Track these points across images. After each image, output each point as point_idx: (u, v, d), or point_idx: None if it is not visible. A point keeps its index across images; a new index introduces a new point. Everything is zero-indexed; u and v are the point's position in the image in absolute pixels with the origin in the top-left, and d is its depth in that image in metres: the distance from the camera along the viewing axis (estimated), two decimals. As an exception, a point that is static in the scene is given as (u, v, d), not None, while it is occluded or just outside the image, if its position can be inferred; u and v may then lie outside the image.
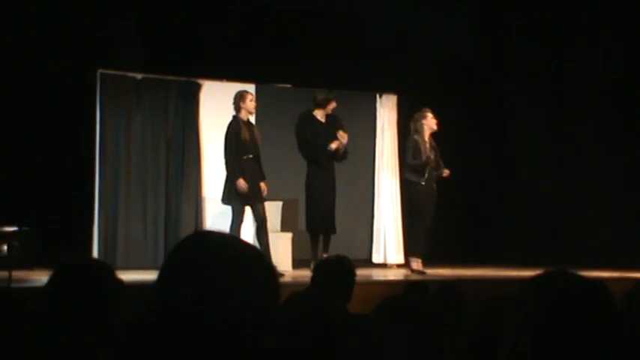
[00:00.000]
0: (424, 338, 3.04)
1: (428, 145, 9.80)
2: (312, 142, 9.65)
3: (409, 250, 10.06)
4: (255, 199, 9.25)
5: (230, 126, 9.29)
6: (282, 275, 8.93)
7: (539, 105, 11.92)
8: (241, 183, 9.06)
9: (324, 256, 9.11)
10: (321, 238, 9.73)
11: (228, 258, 1.44)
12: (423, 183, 9.71)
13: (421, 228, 9.80)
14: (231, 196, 9.20)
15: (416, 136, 9.78)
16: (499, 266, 10.66)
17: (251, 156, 9.26)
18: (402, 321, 3.11)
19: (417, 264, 9.81)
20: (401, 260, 11.57)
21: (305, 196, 9.82)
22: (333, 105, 9.79)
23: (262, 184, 9.38)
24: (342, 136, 9.67)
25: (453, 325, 3.95)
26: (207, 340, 1.38)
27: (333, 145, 9.62)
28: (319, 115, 9.80)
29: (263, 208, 9.34)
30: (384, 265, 11.51)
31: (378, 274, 10.34)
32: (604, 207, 11.19)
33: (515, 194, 12.19)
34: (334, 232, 9.77)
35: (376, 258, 11.72)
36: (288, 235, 10.27)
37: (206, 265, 1.43)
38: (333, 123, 9.83)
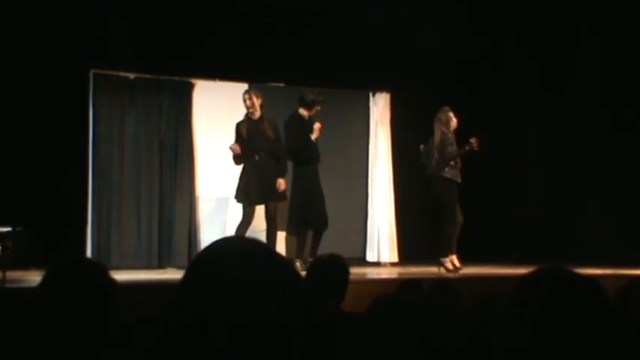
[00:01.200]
0: (418, 336, 3.04)
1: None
2: (306, 142, 9.54)
3: (444, 250, 9.74)
4: (266, 198, 9.22)
5: (235, 126, 9.50)
6: None
7: (536, 103, 11.93)
8: (235, 147, 9.22)
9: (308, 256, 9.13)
10: (311, 236, 9.64)
11: (252, 266, 1.43)
12: (459, 180, 9.66)
13: (455, 225, 9.68)
14: (240, 195, 9.25)
15: (450, 135, 9.70)
16: (493, 264, 10.66)
17: (262, 154, 9.26)
18: (396, 319, 3.11)
19: (454, 260, 9.68)
20: (395, 258, 11.58)
21: (293, 197, 9.59)
22: (318, 108, 9.69)
23: (280, 181, 9.31)
24: (318, 128, 9.59)
25: (447, 322, 3.95)
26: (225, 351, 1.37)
27: (314, 135, 9.55)
28: (305, 115, 9.70)
29: (275, 207, 9.29)
30: (377, 264, 11.51)
31: (372, 273, 10.34)
32: (597, 205, 11.22)
33: (509, 192, 12.20)
34: (327, 227, 9.68)
35: (370, 256, 11.72)
36: (281, 234, 10.26)
37: (227, 273, 1.42)
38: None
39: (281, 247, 10.13)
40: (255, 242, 1.49)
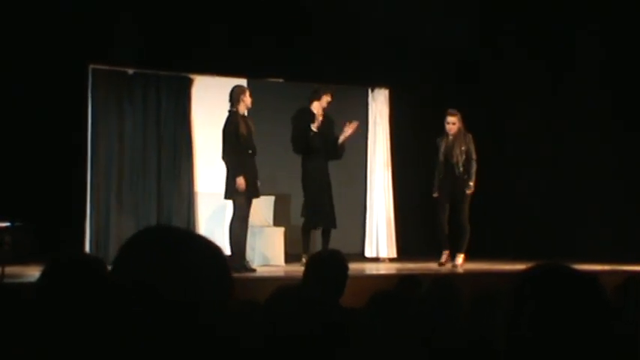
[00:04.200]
0: (416, 332, 3.05)
1: None
2: (300, 132, 9.65)
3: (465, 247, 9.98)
4: (253, 195, 9.20)
5: (229, 121, 9.16)
6: (253, 271, 8.92)
7: (533, 99, 11.93)
8: (241, 181, 8.96)
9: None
10: (317, 233, 9.72)
11: (180, 251, 1.51)
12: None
13: None
14: (234, 191, 9.06)
15: (440, 139, 9.89)
16: (491, 260, 10.67)
17: (251, 151, 9.19)
18: (395, 314, 3.11)
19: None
20: (393, 254, 11.58)
21: (303, 193, 9.80)
22: (327, 98, 9.75)
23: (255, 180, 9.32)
24: (350, 127, 9.67)
25: (446, 318, 3.96)
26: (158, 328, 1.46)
27: (314, 127, 9.60)
28: (316, 109, 9.76)
29: (250, 203, 9.27)
30: (376, 259, 11.52)
31: (370, 268, 10.35)
32: (596, 200, 11.23)
33: (508, 188, 12.20)
34: (334, 226, 9.74)
35: (368, 252, 11.72)
36: (281, 230, 10.29)
37: (158, 258, 1.50)
38: (328, 124, 9.82)
39: (280, 243, 10.16)
40: (188, 232, 1.57)
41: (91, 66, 10.20)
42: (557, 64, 11.69)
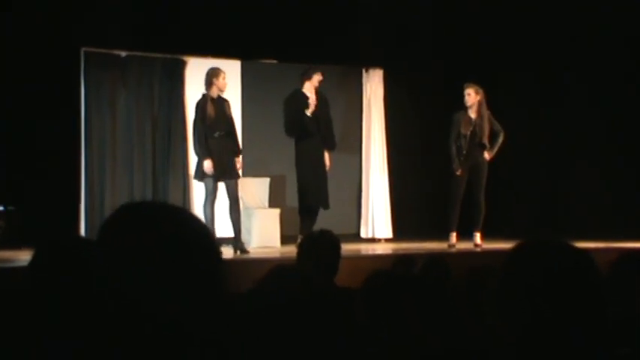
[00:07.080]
0: (410, 310, 3.05)
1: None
2: (298, 117, 9.59)
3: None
4: (227, 176, 9.18)
5: (198, 104, 9.23)
6: (246, 252, 8.96)
7: (526, 78, 11.91)
8: (207, 164, 9.01)
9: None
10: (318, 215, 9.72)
11: (166, 230, 1.47)
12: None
13: None
14: (202, 173, 9.14)
15: (459, 114, 9.75)
16: (486, 238, 10.67)
17: (222, 133, 9.15)
18: (390, 294, 3.12)
19: None
20: (389, 235, 11.58)
21: (296, 175, 9.77)
22: (318, 77, 9.68)
23: (236, 160, 9.30)
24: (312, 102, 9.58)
25: (440, 297, 3.97)
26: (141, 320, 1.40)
27: (309, 111, 9.56)
28: (308, 90, 9.71)
29: (236, 185, 9.26)
30: (372, 240, 11.51)
31: (366, 249, 10.36)
32: (589, 178, 11.23)
33: (500, 167, 12.19)
34: (325, 207, 9.73)
35: (364, 232, 11.72)
36: (276, 211, 10.28)
37: (144, 236, 1.45)
38: (323, 103, 9.75)
39: (276, 224, 10.14)
40: (173, 209, 1.53)
41: (83, 49, 10.16)
42: (550, 42, 11.65)
